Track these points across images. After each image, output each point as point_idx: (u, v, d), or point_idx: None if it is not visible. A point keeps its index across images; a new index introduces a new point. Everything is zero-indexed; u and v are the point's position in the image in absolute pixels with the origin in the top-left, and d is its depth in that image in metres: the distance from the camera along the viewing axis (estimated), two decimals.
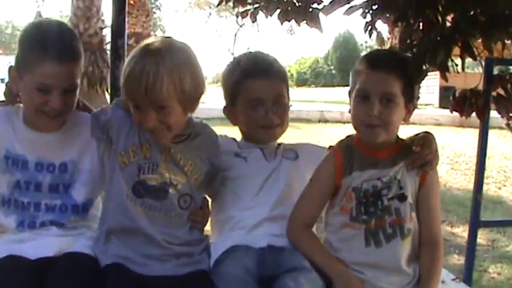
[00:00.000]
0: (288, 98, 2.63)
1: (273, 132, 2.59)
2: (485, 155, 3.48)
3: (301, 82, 53.60)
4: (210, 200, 2.64)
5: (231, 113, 2.64)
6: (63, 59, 2.27)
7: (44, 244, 2.33)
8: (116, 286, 2.19)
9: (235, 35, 54.71)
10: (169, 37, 2.29)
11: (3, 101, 2.52)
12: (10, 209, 2.43)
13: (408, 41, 2.46)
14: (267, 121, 2.53)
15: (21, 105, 2.46)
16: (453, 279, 2.99)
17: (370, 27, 2.94)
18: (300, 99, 24.44)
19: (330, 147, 2.48)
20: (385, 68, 2.24)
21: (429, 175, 2.34)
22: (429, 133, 2.42)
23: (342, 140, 2.43)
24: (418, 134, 2.43)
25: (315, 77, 54.21)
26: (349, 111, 2.34)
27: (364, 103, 2.26)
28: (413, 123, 13.77)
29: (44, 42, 2.28)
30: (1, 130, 2.44)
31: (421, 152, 2.33)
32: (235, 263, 2.25)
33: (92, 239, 2.41)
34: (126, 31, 3.59)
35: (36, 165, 2.42)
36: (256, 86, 2.50)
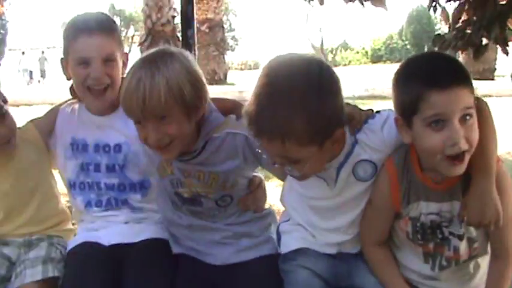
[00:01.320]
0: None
1: None
2: None
3: (376, 59, 52.86)
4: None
5: None
6: (93, 31, 2.41)
7: (116, 231, 2.51)
8: (187, 279, 2.32)
9: (307, 15, 54.35)
10: (165, 47, 2.22)
11: (73, 98, 2.69)
12: (76, 191, 2.59)
13: (462, 19, 2.47)
14: None
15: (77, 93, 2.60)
16: None
17: (434, 3, 2.97)
18: (375, 75, 24.16)
19: (383, 165, 2.10)
20: (458, 81, 1.86)
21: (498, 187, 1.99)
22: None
23: (396, 154, 2.08)
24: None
25: (390, 53, 53.38)
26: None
27: (439, 131, 1.86)
28: (490, 95, 13.46)
29: (77, 25, 2.47)
30: (68, 121, 2.61)
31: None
32: (305, 270, 2.19)
33: (160, 222, 2.54)
34: (198, 18, 3.72)
35: (95, 147, 2.55)
36: None
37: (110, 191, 2.55)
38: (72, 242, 2.53)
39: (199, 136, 2.21)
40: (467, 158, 1.88)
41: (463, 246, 2.08)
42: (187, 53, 2.18)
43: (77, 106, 2.63)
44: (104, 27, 2.47)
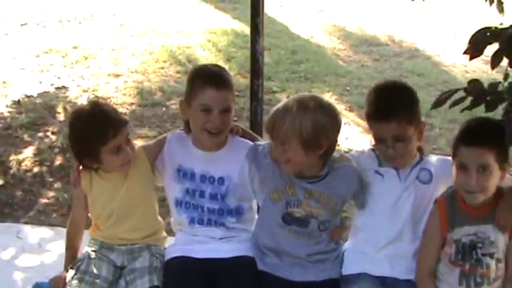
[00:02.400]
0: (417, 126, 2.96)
1: None
2: None
3: None
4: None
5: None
6: (220, 86, 2.93)
7: (211, 247, 3.07)
8: None
9: None
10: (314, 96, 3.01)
11: (182, 130, 3.22)
12: (182, 209, 3.13)
13: None
14: None
15: (190, 124, 3.09)
16: None
17: None
18: None
19: (435, 201, 2.85)
20: (479, 143, 2.59)
21: None
22: None
23: (445, 192, 2.83)
24: None
25: None
26: None
27: (463, 173, 2.62)
28: None
29: (205, 77, 2.98)
30: (175, 150, 3.14)
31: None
32: None
33: (248, 240, 3.12)
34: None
35: (201, 177, 3.08)
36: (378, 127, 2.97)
37: (211, 214, 3.10)
38: (171, 252, 3.09)
39: (324, 165, 2.88)
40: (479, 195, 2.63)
41: (493, 264, 2.70)
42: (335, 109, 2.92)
43: (184, 137, 3.17)
44: (228, 82, 3.03)
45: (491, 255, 2.68)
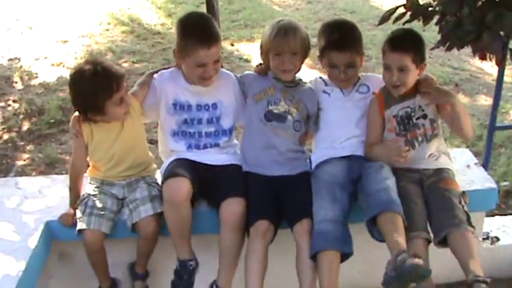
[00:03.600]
0: (361, 57, 3.51)
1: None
2: None
3: None
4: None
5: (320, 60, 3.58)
6: (211, 45, 3.21)
7: (205, 157, 3.43)
8: (255, 186, 3.33)
9: None
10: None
11: (169, 66, 3.58)
12: (179, 137, 3.47)
13: None
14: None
15: (183, 67, 3.40)
16: (476, 164, 3.82)
17: None
18: None
19: (373, 93, 3.49)
20: (398, 49, 3.17)
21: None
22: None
23: (380, 88, 3.45)
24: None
25: None
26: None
27: (387, 72, 3.25)
28: None
29: (197, 37, 3.20)
30: (168, 87, 3.45)
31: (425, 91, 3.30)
32: (325, 171, 3.34)
33: (235, 153, 3.56)
34: None
35: (197, 107, 3.45)
36: (333, 55, 3.42)
37: (208, 138, 3.48)
38: (166, 163, 3.41)
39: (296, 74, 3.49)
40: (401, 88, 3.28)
41: (427, 123, 3.31)
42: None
43: (173, 74, 3.50)
44: (217, 38, 3.28)
45: (423, 117, 3.31)
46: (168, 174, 3.16)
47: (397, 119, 3.34)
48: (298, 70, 3.44)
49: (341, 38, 3.37)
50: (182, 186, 3.06)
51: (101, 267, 3.33)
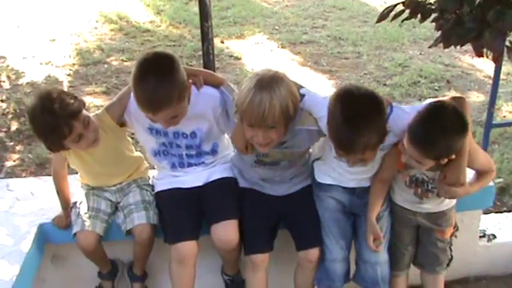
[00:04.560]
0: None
1: None
2: None
3: None
4: None
5: None
6: (156, 112, 2.80)
7: (194, 178, 3.27)
8: (250, 201, 3.18)
9: None
10: (275, 72, 2.81)
11: None
12: (161, 157, 3.29)
13: None
14: None
15: None
16: None
17: None
18: None
19: (399, 142, 2.85)
20: (427, 151, 2.66)
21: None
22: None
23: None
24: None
25: None
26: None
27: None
28: None
29: (142, 102, 2.81)
30: (142, 113, 2.96)
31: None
32: (330, 197, 3.15)
33: (226, 163, 3.34)
34: None
35: (174, 134, 3.17)
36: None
37: (190, 159, 3.29)
38: (159, 185, 3.32)
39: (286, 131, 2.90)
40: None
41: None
42: (286, 76, 2.84)
43: None
44: (166, 103, 2.80)
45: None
46: (175, 233, 3.08)
47: (412, 179, 3.00)
48: (280, 139, 2.88)
49: (349, 141, 2.63)
50: (190, 250, 3.04)
51: (99, 261, 3.32)
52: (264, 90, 2.69)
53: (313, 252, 3.07)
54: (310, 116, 2.94)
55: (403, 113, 2.80)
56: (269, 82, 2.72)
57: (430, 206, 3.08)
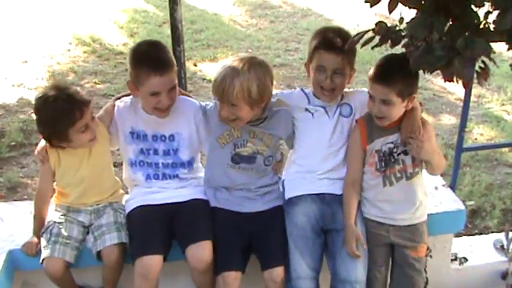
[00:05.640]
0: (351, 69, 3.22)
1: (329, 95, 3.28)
2: None
3: None
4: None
5: (307, 67, 3.31)
6: (164, 72, 3.07)
7: (167, 195, 3.33)
8: (222, 222, 3.22)
9: None
10: (255, 57, 3.13)
11: (129, 94, 3.37)
12: (137, 168, 3.38)
13: None
14: (326, 85, 3.22)
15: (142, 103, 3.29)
16: (443, 185, 3.83)
17: None
18: None
19: (356, 120, 3.24)
20: (382, 81, 2.98)
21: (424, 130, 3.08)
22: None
23: (364, 114, 3.21)
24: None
25: None
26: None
27: (372, 102, 3.05)
28: None
29: (148, 65, 3.07)
30: (126, 115, 3.33)
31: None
32: (299, 213, 3.19)
33: (199, 186, 3.41)
34: None
35: (153, 137, 3.32)
36: (323, 57, 3.14)
37: (166, 168, 3.38)
38: (131, 205, 3.37)
39: (264, 110, 3.21)
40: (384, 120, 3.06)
41: (408, 160, 3.10)
42: (268, 66, 3.14)
43: (133, 102, 3.35)
44: (170, 65, 3.13)
45: (404, 152, 3.09)
46: (140, 247, 3.09)
47: (380, 155, 3.12)
48: (248, 118, 3.14)
49: (334, 38, 3.11)
50: (155, 265, 3.03)
51: (68, 287, 3.26)
52: (233, 68, 2.99)
53: (277, 271, 3.07)
54: (284, 101, 3.31)
55: (363, 91, 3.25)
56: (243, 63, 3.01)
57: (403, 216, 3.15)
